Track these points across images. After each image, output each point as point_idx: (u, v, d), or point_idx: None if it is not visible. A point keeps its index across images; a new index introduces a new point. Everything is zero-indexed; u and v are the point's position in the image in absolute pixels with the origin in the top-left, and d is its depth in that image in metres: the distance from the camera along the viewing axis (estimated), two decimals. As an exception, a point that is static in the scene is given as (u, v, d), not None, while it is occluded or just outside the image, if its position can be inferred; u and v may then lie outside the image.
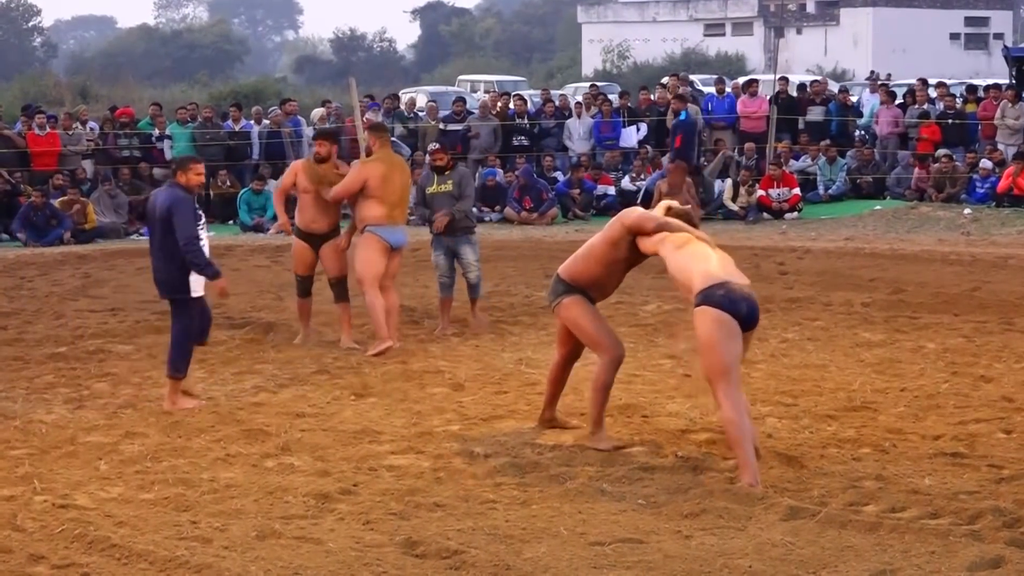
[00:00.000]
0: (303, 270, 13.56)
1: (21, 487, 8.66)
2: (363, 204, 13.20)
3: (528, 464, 9.01)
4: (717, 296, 8.80)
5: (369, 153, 13.55)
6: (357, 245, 13.32)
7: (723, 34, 74.49)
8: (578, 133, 26.58)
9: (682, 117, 24.63)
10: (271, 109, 27.98)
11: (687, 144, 23.77)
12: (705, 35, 74.21)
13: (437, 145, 15.11)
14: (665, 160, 24.83)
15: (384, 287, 13.19)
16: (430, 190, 14.25)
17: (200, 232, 10.87)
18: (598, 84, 33.82)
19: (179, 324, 10.94)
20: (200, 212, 11.16)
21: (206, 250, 10.92)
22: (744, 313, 8.82)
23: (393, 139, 26.37)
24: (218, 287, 10.87)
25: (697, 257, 9.12)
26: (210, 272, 10.81)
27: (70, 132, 24.94)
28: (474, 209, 24.00)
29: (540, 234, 22.55)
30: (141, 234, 23.21)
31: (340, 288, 13.42)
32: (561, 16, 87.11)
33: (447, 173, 14.28)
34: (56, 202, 22.89)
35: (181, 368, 10.91)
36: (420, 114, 28.47)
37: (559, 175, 25.62)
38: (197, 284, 10.91)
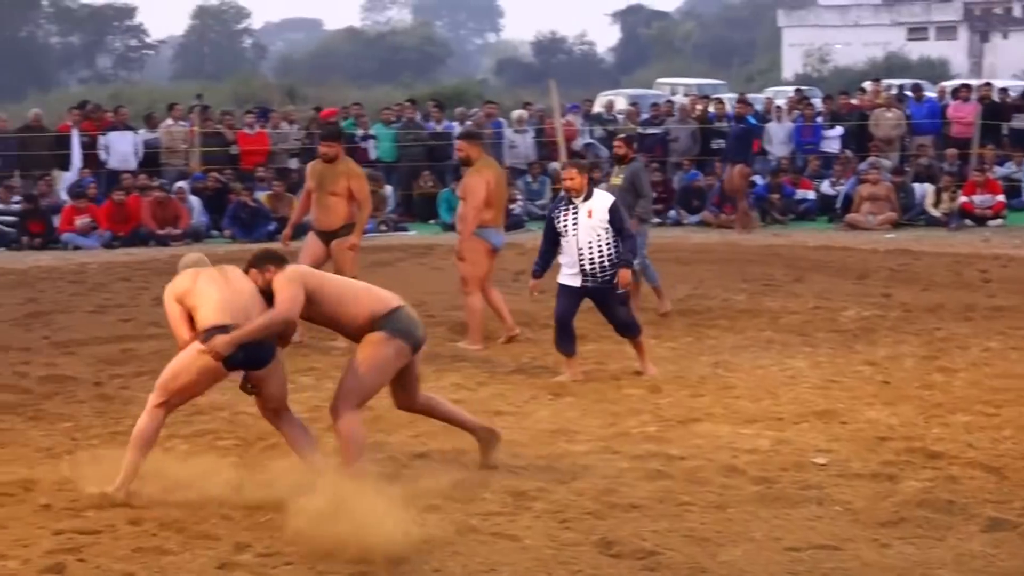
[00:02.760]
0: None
1: (226, 476, 8.80)
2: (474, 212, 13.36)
3: (724, 467, 8.95)
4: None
5: (467, 161, 13.49)
6: (462, 257, 13.39)
7: (926, 38, 73.24)
8: (778, 137, 26.34)
9: (751, 122, 24.35)
10: (473, 111, 28.15)
11: (749, 147, 23.79)
12: (908, 39, 73.00)
13: (623, 135, 15.54)
14: (865, 166, 24.58)
15: (485, 287, 13.53)
16: (610, 181, 14.83)
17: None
18: (802, 88, 33.43)
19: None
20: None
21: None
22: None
23: (591, 141, 26.59)
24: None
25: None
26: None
27: (280, 131, 25.42)
28: (672, 212, 24.39)
29: (738, 238, 22.38)
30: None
31: None
32: (761, 20, 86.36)
33: (624, 165, 14.87)
34: (262, 196, 23.35)
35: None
36: (619, 117, 28.47)
37: (758, 179, 25.41)
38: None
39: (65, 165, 24.35)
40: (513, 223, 22.95)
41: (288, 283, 8.39)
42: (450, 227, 23.37)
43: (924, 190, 24.23)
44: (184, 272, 8.74)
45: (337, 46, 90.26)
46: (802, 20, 78.71)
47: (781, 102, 28.71)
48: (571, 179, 11.69)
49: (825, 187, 25.04)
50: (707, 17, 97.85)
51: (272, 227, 22.67)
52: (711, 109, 27.30)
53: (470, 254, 13.32)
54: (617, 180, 14.87)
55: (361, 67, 79.19)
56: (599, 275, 11.58)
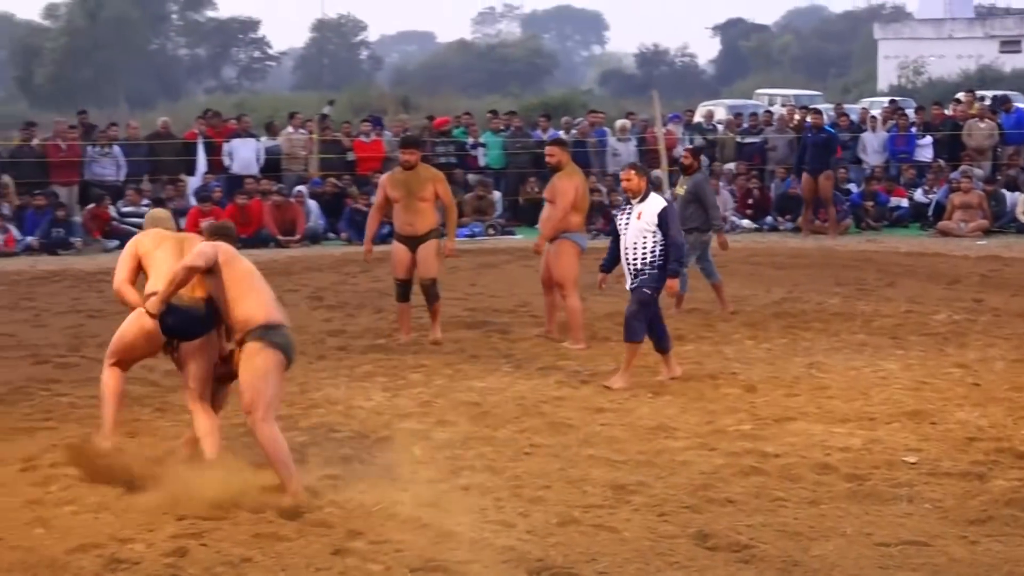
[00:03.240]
0: (402, 273, 13.54)
1: (341, 467, 8.84)
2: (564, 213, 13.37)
3: (818, 465, 8.89)
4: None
5: (557, 166, 13.45)
6: (556, 252, 13.35)
7: (1019, 51, 72.03)
8: (873, 146, 26.13)
9: (829, 131, 24.23)
10: (578, 120, 28.19)
11: (832, 154, 23.85)
12: (1001, 51, 71.88)
13: (689, 146, 15.82)
14: (957, 175, 24.30)
15: (546, 287, 13.71)
16: (675, 191, 15.25)
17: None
18: (896, 99, 33.14)
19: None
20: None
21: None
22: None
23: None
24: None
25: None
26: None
27: (395, 138, 25.59)
28: (769, 218, 24.26)
29: (832, 243, 22.22)
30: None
31: (433, 290, 13.50)
32: (858, 33, 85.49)
33: (688, 176, 15.11)
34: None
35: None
36: (718, 126, 28.36)
37: (853, 187, 25.22)
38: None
39: (192, 170, 24.65)
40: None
41: (206, 245, 8.54)
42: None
43: (1015, 198, 23.91)
44: (155, 231, 9.12)
45: (449, 58, 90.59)
46: (897, 33, 77.78)
47: (876, 112, 28.47)
48: (628, 180, 11.62)
49: (918, 195, 24.82)
50: (805, 30, 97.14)
51: (386, 230, 22.76)
52: (808, 119, 27.11)
53: (564, 257, 13.31)
54: (680, 190, 15.01)
55: (471, 78, 79.38)
56: (639, 277, 11.48)
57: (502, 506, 8.04)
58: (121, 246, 21.97)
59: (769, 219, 24.55)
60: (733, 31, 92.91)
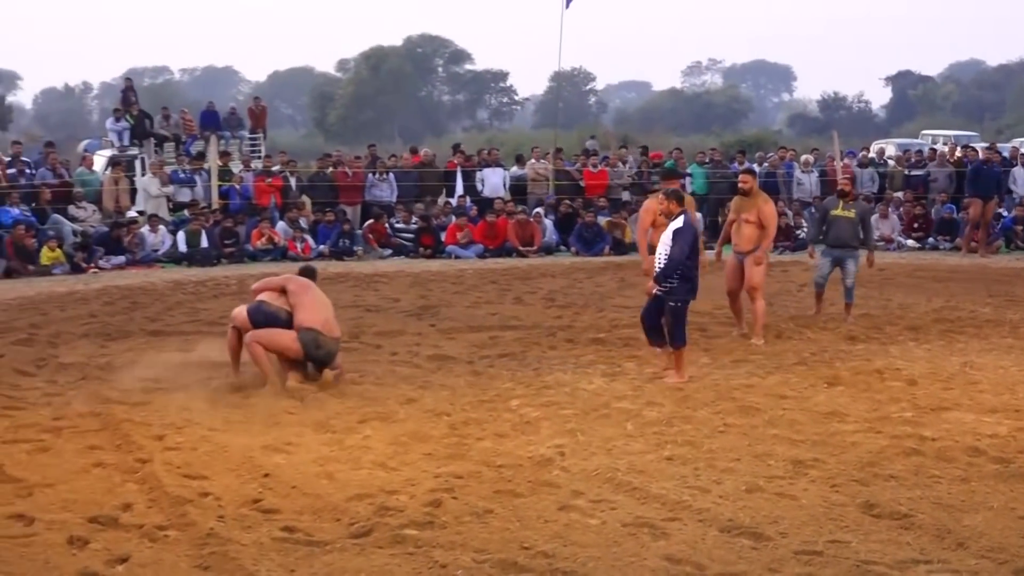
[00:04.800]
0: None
1: (567, 439, 8.92)
2: (760, 232, 13.19)
3: (969, 448, 8.62)
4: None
5: (748, 191, 13.32)
6: (752, 262, 13.09)
7: None
8: (1022, 178, 25.21)
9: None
10: (769, 155, 27.80)
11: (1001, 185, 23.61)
12: None
13: (851, 176, 15.28)
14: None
15: (736, 293, 13.50)
16: (833, 212, 14.43)
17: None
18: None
19: None
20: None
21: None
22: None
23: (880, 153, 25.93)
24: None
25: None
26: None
27: (615, 169, 25.59)
28: (931, 239, 23.61)
29: (986, 261, 21.52)
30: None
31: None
32: (1012, 82, 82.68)
33: (850, 202, 14.46)
34: (602, 222, 23.49)
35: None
36: (889, 161, 27.69)
37: (1004, 212, 24.40)
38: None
39: (451, 193, 25.01)
40: (798, 245, 22.60)
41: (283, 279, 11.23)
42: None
43: None
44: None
45: (662, 103, 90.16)
46: (1047, 82, 75.15)
47: (1025, 150, 27.47)
48: (661, 203, 11.32)
49: (1062, 220, 23.89)
50: (965, 80, 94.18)
51: (606, 247, 22.77)
52: (980, 154, 26.31)
53: (761, 267, 13.18)
54: (850, 213, 14.33)
55: (680, 119, 78.88)
56: (662, 283, 11.09)
57: (699, 475, 7.99)
58: (394, 255, 22.65)
59: (931, 239, 23.91)
60: (903, 81, 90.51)
